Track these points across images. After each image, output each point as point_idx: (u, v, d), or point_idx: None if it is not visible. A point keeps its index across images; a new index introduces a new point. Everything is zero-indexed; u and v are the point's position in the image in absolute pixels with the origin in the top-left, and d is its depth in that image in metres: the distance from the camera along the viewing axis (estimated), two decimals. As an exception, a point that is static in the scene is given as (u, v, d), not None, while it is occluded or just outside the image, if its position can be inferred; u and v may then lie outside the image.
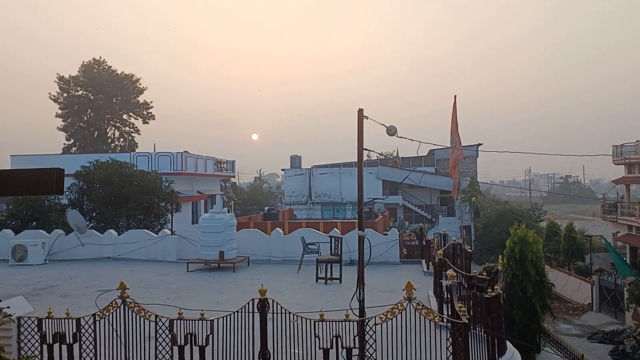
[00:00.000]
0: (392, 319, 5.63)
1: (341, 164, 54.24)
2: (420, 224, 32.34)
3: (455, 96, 14.07)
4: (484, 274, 10.14)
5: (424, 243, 19.21)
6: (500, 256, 10.75)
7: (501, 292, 7.93)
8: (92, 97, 47.92)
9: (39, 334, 6.46)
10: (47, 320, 6.45)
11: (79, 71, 48.38)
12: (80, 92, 48.27)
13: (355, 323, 5.84)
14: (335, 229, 17.93)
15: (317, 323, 5.85)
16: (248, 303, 6.03)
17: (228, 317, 6.14)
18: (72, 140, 48.21)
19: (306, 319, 5.90)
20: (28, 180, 1.98)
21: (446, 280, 8.07)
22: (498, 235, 37.64)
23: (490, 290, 7.58)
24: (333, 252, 14.16)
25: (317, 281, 13.32)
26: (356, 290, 6.72)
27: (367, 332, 5.71)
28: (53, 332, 6.42)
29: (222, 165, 37.88)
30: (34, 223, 20.04)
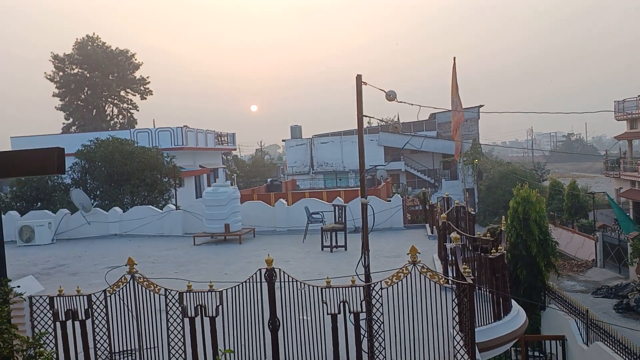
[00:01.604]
0: (397, 282, 5.70)
1: (342, 132, 54.06)
2: (423, 188, 32.36)
3: (454, 57, 13.92)
4: (488, 235, 10.22)
5: (427, 207, 19.30)
6: (503, 217, 10.82)
7: (505, 252, 8.01)
8: (88, 75, 47.52)
9: (51, 311, 6.56)
10: (58, 298, 6.54)
11: (73, 49, 47.86)
12: (76, 70, 47.85)
13: (361, 288, 5.91)
14: (338, 197, 18.00)
15: (324, 290, 5.93)
16: (255, 273, 6.10)
17: (236, 287, 6.22)
18: (71, 120, 48.06)
19: (313, 286, 5.97)
20: (29, 161, 1.98)
21: (450, 243, 8.14)
22: (501, 196, 37.75)
23: (494, 250, 7.65)
24: (337, 220, 14.25)
25: (322, 250, 13.45)
26: (361, 257, 6.79)
27: (374, 297, 5.79)
28: (65, 310, 6.52)
29: (222, 139, 37.81)
30: (39, 204, 20.15)
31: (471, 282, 5.67)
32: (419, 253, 5.77)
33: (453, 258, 7.93)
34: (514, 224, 17.73)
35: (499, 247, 7.81)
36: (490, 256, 7.41)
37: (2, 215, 15.64)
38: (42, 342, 5.05)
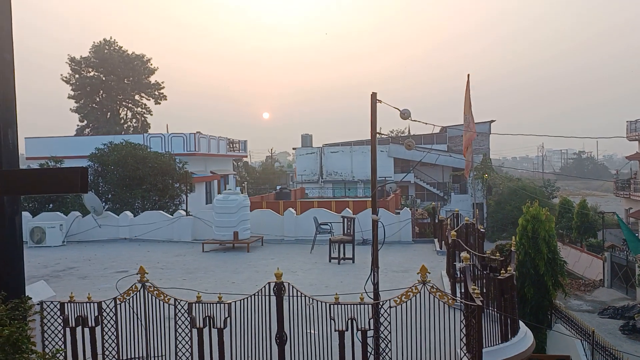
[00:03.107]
0: (406, 301, 5.74)
1: (352, 142, 54.15)
2: (433, 202, 32.33)
3: (468, 75, 13.94)
4: (497, 253, 10.21)
5: (436, 222, 19.27)
6: (513, 237, 10.80)
7: (514, 273, 8.00)
8: (103, 78, 48.04)
9: (61, 317, 6.65)
10: (69, 304, 6.64)
11: (90, 52, 48.42)
12: (92, 73, 48.39)
13: (370, 306, 5.95)
14: (347, 208, 18.03)
15: (332, 306, 5.97)
16: (264, 286, 6.16)
17: (245, 300, 6.28)
18: (85, 122, 48.54)
19: (321, 302, 6.02)
20: (54, 179, 2.06)
21: (460, 262, 8.15)
22: (510, 212, 37.56)
23: (504, 271, 7.65)
24: (346, 232, 14.28)
25: (330, 261, 13.47)
26: (370, 274, 6.82)
27: (382, 315, 5.83)
28: (75, 316, 6.60)
29: (234, 145, 38.03)
30: (51, 205, 20.36)
31: (480, 303, 5.69)
32: (429, 273, 5.81)
33: (462, 276, 7.94)
34: (523, 242, 17.64)
35: (508, 268, 7.80)
36: (500, 277, 7.40)
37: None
38: (57, 357, 5.12)
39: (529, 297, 17.27)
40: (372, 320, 5.90)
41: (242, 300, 6.29)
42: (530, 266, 17.38)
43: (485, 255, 9.18)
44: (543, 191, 44.07)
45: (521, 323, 7.91)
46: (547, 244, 17.52)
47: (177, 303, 6.39)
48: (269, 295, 6.16)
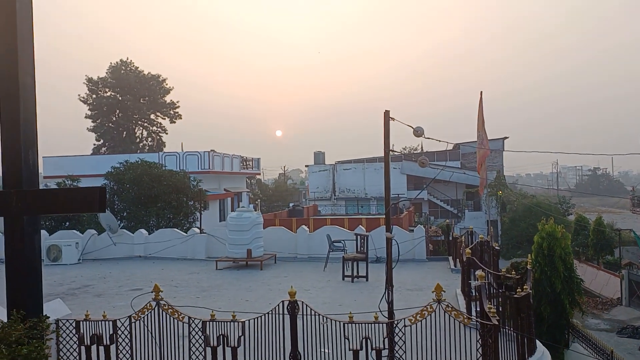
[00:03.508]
0: (421, 320, 5.69)
1: (365, 160, 54.18)
2: (447, 220, 32.11)
3: (481, 92, 13.96)
4: (513, 272, 10.09)
5: (450, 239, 19.14)
6: (529, 255, 10.68)
7: (531, 291, 7.91)
8: (120, 98, 48.81)
9: (77, 335, 6.69)
10: (84, 322, 6.68)
11: (107, 72, 49.30)
12: (108, 93, 49.20)
13: (384, 325, 5.91)
14: (360, 226, 18.01)
15: (346, 325, 5.94)
16: (278, 305, 6.16)
17: (259, 318, 6.28)
18: (101, 141, 49.23)
19: (336, 320, 5.99)
20: (73, 199, 2.10)
21: (475, 280, 8.07)
22: (525, 229, 37.15)
23: (520, 289, 7.56)
24: (359, 249, 14.23)
25: (343, 279, 13.41)
26: (385, 292, 6.79)
27: (397, 334, 5.78)
28: (90, 334, 6.64)
29: (247, 163, 38.27)
30: (67, 223, 20.58)
31: (496, 322, 5.63)
32: (444, 291, 5.76)
33: (477, 294, 7.86)
34: (539, 260, 17.43)
35: (524, 286, 7.72)
36: (516, 295, 7.32)
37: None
38: None
39: (546, 315, 17.01)
40: (386, 340, 5.86)
41: (256, 319, 6.28)
42: (547, 284, 17.15)
43: (501, 274, 9.09)
44: (558, 208, 43.59)
45: (538, 342, 7.80)
46: (564, 262, 17.30)
47: (191, 321, 6.40)
48: (283, 314, 6.15)
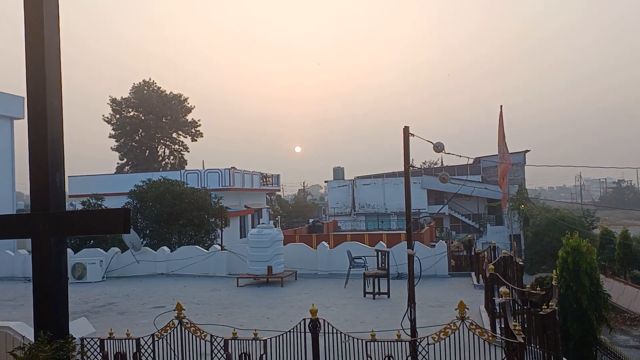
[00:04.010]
0: (444, 338, 5.62)
1: (384, 174, 54.02)
2: (469, 235, 31.72)
3: (501, 106, 13.83)
4: (537, 287, 9.91)
5: (472, 254, 18.91)
6: (554, 271, 10.49)
7: (556, 307, 7.75)
8: (143, 118, 49.74)
9: (101, 354, 6.75)
10: (108, 340, 6.74)
11: (130, 93, 50.36)
12: (131, 113, 50.19)
13: (407, 343, 5.85)
14: (381, 241, 17.89)
15: (368, 343, 5.89)
16: (300, 323, 6.14)
17: (280, 336, 6.27)
18: (125, 160, 50.09)
19: (358, 339, 5.95)
20: (98, 220, 2.15)
21: (499, 297, 7.95)
22: (549, 243, 36.48)
23: (545, 306, 7.42)
24: (380, 266, 14.13)
25: (364, 296, 13.31)
26: (407, 310, 6.72)
27: (420, 352, 5.71)
28: (114, 352, 6.70)
29: (267, 180, 38.47)
30: (92, 241, 20.87)
31: (522, 340, 5.52)
32: (467, 309, 5.69)
33: (501, 310, 7.73)
34: (564, 275, 17.08)
35: (550, 302, 7.57)
36: (542, 312, 7.18)
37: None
38: None
39: (572, 332, 16.61)
40: (409, 358, 5.79)
41: (277, 337, 6.27)
42: (573, 300, 16.78)
43: (525, 290, 8.93)
44: (583, 222, 42.75)
45: (565, 360, 7.61)
46: (589, 277, 16.92)
47: (213, 339, 6.42)
48: (304, 332, 6.13)
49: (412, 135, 7.49)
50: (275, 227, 17.04)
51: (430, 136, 7.69)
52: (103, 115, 50.24)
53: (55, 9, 1.96)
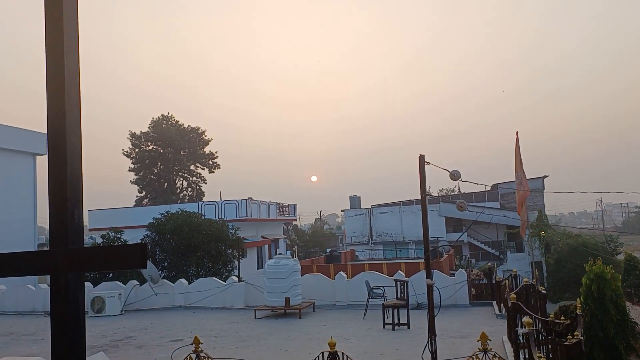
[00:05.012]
0: (466, 371, 5.49)
1: (401, 202, 53.76)
2: (489, 263, 31.26)
3: (517, 132, 13.80)
4: (562, 317, 9.66)
5: (493, 283, 18.57)
6: (578, 300, 10.25)
7: (582, 337, 7.55)
8: (161, 151, 50.57)
9: (119, 388, 6.72)
10: (127, 374, 6.72)
11: (149, 127, 51.36)
12: (150, 147, 51.08)
13: (428, 375, 5.72)
14: (399, 271, 17.69)
15: (388, 376, 5.78)
16: (318, 356, 6.05)
17: (299, 370, 6.18)
18: (144, 193, 50.73)
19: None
20: (115, 256, 2.17)
21: (522, 327, 7.77)
22: (572, 270, 35.71)
23: (570, 336, 7.22)
24: (399, 296, 13.95)
25: (384, 327, 13.10)
26: (428, 341, 6.60)
27: (441, 385, 5.58)
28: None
29: (284, 209, 38.56)
30: (111, 274, 20.99)
31: (546, 372, 5.37)
32: (490, 340, 5.56)
33: (525, 341, 7.55)
34: (588, 303, 16.62)
35: (575, 332, 7.37)
36: (567, 342, 6.99)
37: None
38: None
39: (600, 362, 16.11)
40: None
41: (296, 371, 6.19)
42: (599, 329, 16.30)
43: (549, 319, 8.72)
44: (606, 247, 41.90)
45: (594, 393, 7.36)
46: (615, 305, 16.44)
47: (231, 374, 6.35)
48: (324, 365, 6.03)
49: (428, 163, 7.48)
50: (293, 257, 16.99)
51: (446, 161, 7.69)
52: (123, 150, 51.23)
53: (75, 49, 2.03)
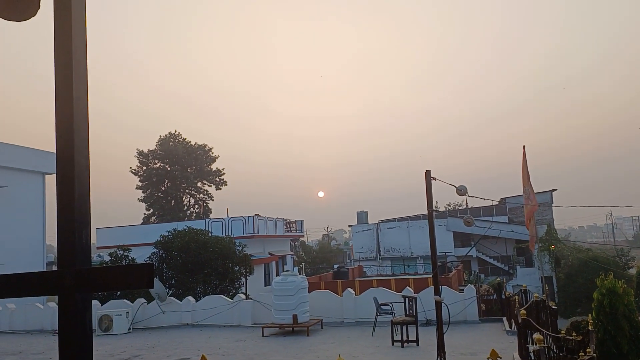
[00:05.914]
0: (477, 389, 5.41)
1: (409, 217, 53.55)
2: (498, 278, 31.01)
3: (524, 146, 13.73)
4: (573, 333, 9.54)
5: (503, 298, 18.38)
6: (590, 315, 10.11)
7: (595, 354, 7.44)
8: (169, 168, 50.84)
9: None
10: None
11: (156, 145, 51.71)
12: (158, 165, 51.37)
13: (438, 394, 5.64)
14: (408, 287, 17.56)
15: (398, 394, 5.71)
16: (327, 374, 5.99)
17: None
18: (151, 210, 50.89)
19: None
20: (122, 276, 2.17)
21: (532, 343, 7.67)
22: (583, 285, 35.30)
23: (582, 353, 7.13)
24: (407, 312, 13.83)
25: (393, 344, 12.97)
26: (437, 358, 6.52)
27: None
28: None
29: (291, 226, 38.51)
30: (118, 293, 20.97)
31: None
32: (500, 358, 5.49)
33: (536, 359, 7.44)
34: (600, 318, 16.37)
35: (587, 349, 7.27)
36: (579, 359, 6.89)
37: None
38: None
39: (614, 379, 15.84)
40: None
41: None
42: (612, 345, 16.02)
43: (560, 336, 8.61)
44: (617, 261, 41.44)
45: (608, 411, 7.23)
46: (628, 320, 16.19)
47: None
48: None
49: (434, 179, 7.47)
50: (300, 274, 16.92)
51: (454, 174, 7.68)
52: (130, 167, 51.55)
53: (84, 69, 2.06)
